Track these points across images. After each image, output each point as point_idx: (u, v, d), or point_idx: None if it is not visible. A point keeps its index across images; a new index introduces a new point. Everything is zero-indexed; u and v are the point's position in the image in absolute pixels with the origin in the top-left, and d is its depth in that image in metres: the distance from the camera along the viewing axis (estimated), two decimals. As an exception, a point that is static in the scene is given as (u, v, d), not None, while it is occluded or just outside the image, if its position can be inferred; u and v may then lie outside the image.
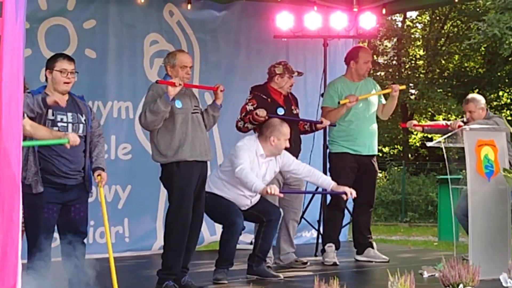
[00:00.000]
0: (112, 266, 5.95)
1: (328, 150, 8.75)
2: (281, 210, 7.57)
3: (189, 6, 9.35)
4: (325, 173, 8.86)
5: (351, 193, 7.41)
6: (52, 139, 5.71)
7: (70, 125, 6.10)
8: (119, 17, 8.87)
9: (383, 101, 8.77)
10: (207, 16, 9.62)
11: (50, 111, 6.02)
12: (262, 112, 7.62)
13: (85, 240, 6.23)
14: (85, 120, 6.22)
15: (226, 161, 7.51)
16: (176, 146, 6.72)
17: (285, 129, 7.36)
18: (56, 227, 6.11)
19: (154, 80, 8.70)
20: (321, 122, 8.24)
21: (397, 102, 8.78)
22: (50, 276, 5.54)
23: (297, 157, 7.98)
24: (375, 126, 8.64)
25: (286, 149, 7.50)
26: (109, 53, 8.79)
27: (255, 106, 7.71)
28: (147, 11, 9.09)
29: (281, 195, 7.17)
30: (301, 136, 8.26)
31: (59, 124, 6.04)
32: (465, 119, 8.59)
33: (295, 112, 8.13)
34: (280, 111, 7.85)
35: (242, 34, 9.88)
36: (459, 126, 7.96)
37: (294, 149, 7.95)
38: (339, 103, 8.30)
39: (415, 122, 8.91)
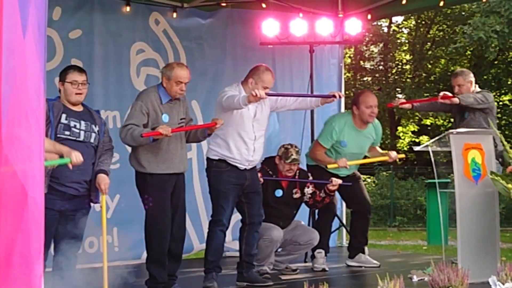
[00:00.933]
0: (105, 274, 5.97)
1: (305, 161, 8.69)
2: (263, 215, 7.58)
3: (174, 15, 9.36)
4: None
5: (339, 95, 7.52)
6: (55, 153, 5.70)
7: (82, 132, 6.22)
8: (104, 26, 8.85)
9: (377, 143, 8.73)
10: (193, 24, 9.62)
11: (63, 115, 6.14)
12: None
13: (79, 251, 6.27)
14: (98, 131, 6.32)
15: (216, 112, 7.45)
16: (153, 160, 6.80)
17: (266, 77, 7.27)
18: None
19: (141, 88, 8.72)
20: (331, 181, 8.05)
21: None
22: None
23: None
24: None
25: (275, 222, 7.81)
26: (95, 62, 8.77)
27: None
28: (132, 20, 9.09)
29: (266, 96, 7.03)
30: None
31: (72, 129, 6.15)
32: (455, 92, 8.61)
33: (295, 196, 8.09)
34: (278, 193, 7.92)
35: (228, 41, 9.88)
36: (447, 97, 7.94)
37: (284, 224, 8.06)
38: (326, 167, 8.26)
39: (402, 100, 8.65)
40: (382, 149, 8.74)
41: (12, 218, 3.64)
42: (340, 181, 8.04)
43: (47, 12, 3.98)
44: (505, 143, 7.27)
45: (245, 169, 7.35)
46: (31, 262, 3.69)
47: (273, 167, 7.99)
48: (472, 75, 8.66)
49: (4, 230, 3.62)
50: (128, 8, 8.95)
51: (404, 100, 8.60)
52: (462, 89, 8.51)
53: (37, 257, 3.71)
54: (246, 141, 7.30)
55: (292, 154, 7.89)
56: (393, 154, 8.55)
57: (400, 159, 8.47)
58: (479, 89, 8.68)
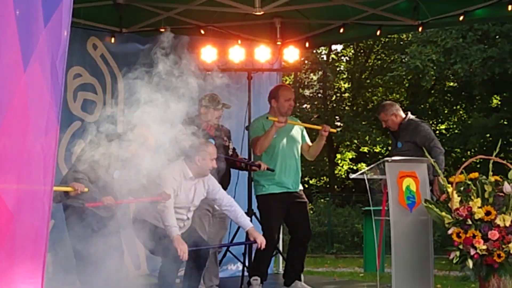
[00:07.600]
0: None
1: (254, 193, 8.71)
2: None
3: (112, 40, 9.30)
4: (250, 204, 8.91)
5: (261, 243, 7.23)
6: None
7: None
8: (41, 50, 8.75)
9: (308, 141, 8.80)
10: (131, 49, 9.52)
11: None
12: None
13: None
14: None
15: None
16: None
17: (211, 148, 7.26)
18: None
19: (78, 114, 8.68)
20: (259, 166, 8.25)
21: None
22: None
23: (225, 189, 7.99)
24: (299, 163, 8.66)
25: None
26: (31, 86, 8.66)
27: None
28: (70, 44, 8.95)
29: (186, 257, 6.88)
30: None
31: None
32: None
33: (226, 144, 8.20)
34: (211, 142, 7.90)
35: (167, 67, 9.83)
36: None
37: (223, 181, 7.98)
38: (267, 118, 8.30)
39: None
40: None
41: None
42: (265, 167, 8.22)
43: (67, 45, 4.00)
44: (440, 172, 7.36)
45: None
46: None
47: (197, 123, 7.66)
48: (395, 107, 8.93)
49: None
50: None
51: None
52: (388, 124, 8.94)
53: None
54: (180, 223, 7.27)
55: (218, 99, 8.01)
56: (327, 127, 8.63)
57: (332, 132, 8.59)
58: (412, 116, 8.90)
